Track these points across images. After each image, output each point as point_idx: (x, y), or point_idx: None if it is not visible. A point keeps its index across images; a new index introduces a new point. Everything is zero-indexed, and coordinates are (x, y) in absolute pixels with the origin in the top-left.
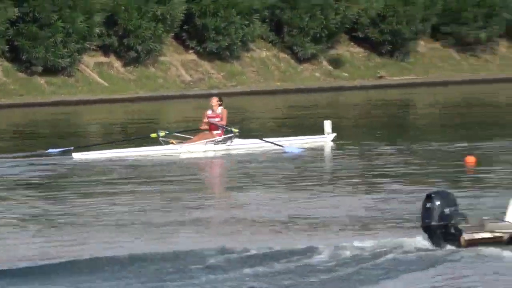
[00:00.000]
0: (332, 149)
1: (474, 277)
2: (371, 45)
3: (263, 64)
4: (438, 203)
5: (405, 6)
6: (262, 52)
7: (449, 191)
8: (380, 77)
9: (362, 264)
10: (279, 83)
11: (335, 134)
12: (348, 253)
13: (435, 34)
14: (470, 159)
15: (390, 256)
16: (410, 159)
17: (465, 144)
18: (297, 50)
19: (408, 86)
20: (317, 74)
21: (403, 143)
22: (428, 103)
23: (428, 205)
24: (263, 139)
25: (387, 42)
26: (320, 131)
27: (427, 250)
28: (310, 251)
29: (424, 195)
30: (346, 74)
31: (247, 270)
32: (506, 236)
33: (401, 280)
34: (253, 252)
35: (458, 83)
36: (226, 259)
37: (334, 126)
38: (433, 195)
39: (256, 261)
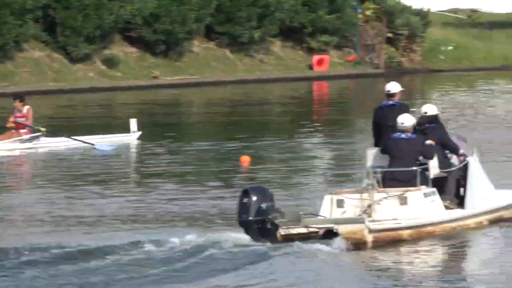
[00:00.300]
0: (137, 147)
1: (289, 272)
2: (145, 45)
3: (37, 65)
4: (255, 198)
5: (178, 6)
6: (36, 52)
7: (265, 186)
8: (155, 77)
9: (181, 261)
10: (52, 83)
11: (140, 132)
12: (169, 249)
13: (209, 34)
14: (245, 159)
15: (208, 252)
16: (186, 159)
17: (239, 144)
18: (70, 50)
19: (182, 86)
20: (91, 74)
21: (179, 143)
22: (201, 103)
23: (245, 200)
24: (72, 137)
25: (161, 42)
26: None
27: (245, 245)
28: (134, 246)
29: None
30: (120, 74)
31: (72, 266)
32: (321, 231)
33: (220, 275)
34: (69, 249)
35: (232, 83)
36: (44, 255)
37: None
38: (250, 190)
39: (83, 257)
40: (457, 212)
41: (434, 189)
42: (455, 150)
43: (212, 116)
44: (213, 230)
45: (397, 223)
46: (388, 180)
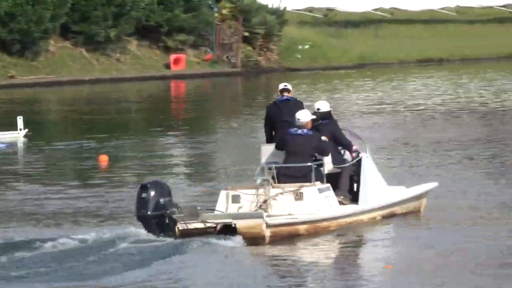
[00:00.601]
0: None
1: (191, 267)
2: (1, 45)
3: None
4: (153, 193)
5: (33, 5)
6: None
7: (163, 181)
8: (11, 76)
9: (86, 256)
10: None
11: (26, 130)
12: (73, 245)
13: (65, 33)
14: (103, 158)
15: (112, 247)
16: (44, 158)
17: (96, 143)
18: None
19: (38, 85)
20: None
21: (37, 142)
22: (58, 103)
23: (144, 195)
24: None
25: (16, 42)
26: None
27: (145, 241)
28: (34, 243)
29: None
30: None
31: None
32: (218, 226)
33: (122, 272)
34: None
35: (89, 82)
36: None
37: None
38: (148, 185)
39: None
40: (351, 208)
41: (329, 185)
42: (348, 146)
43: (69, 116)
44: (78, 228)
45: (294, 218)
46: (283, 176)
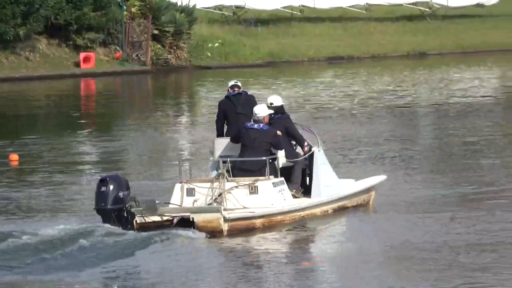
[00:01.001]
0: None
1: (153, 260)
2: None
3: None
4: (112, 186)
5: None
6: None
7: (121, 176)
8: None
9: (51, 252)
10: None
11: None
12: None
13: None
14: (14, 157)
15: (77, 242)
16: None
17: (6, 142)
18: None
19: None
20: None
21: None
22: None
23: (103, 188)
24: None
25: None
26: None
27: (107, 234)
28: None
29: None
30: None
31: None
32: (175, 220)
33: (87, 266)
34: None
35: None
36: None
37: None
38: (107, 179)
39: None
40: (305, 201)
41: (283, 179)
42: (300, 140)
43: None
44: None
45: (250, 212)
46: (238, 170)
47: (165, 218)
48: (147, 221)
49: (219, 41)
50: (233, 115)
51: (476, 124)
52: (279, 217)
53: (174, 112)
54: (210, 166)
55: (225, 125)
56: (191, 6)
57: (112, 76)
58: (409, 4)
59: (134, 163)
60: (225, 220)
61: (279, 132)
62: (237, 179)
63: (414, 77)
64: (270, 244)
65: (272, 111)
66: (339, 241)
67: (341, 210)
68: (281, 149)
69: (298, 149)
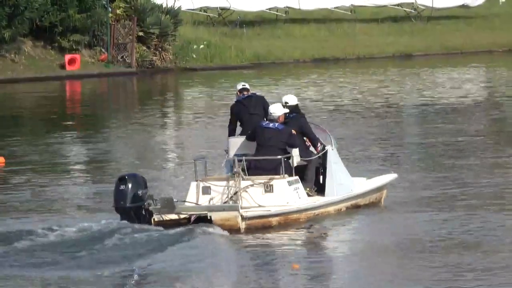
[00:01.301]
0: None
1: (184, 256)
2: None
3: None
4: (131, 185)
5: None
6: None
7: (139, 174)
8: None
9: (89, 246)
10: None
11: None
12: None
13: None
14: (0, 159)
15: (105, 239)
16: None
17: None
18: None
19: None
20: None
21: None
22: None
23: (122, 187)
24: None
25: None
26: None
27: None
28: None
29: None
30: None
31: None
32: (192, 218)
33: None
34: None
35: None
36: None
37: None
38: (126, 177)
39: None
40: (319, 200)
41: (297, 178)
42: (314, 140)
43: None
44: None
45: (267, 211)
46: (254, 169)
47: (182, 216)
48: (164, 219)
49: (204, 42)
50: (246, 116)
51: (459, 125)
52: (295, 215)
53: (161, 113)
54: (224, 165)
55: (238, 127)
56: (176, 8)
57: (98, 78)
58: (394, 5)
59: (120, 164)
60: (243, 218)
61: (294, 131)
62: (252, 177)
63: (399, 78)
64: (288, 242)
65: (287, 110)
66: (353, 239)
67: (354, 208)
68: (296, 147)
69: (312, 148)
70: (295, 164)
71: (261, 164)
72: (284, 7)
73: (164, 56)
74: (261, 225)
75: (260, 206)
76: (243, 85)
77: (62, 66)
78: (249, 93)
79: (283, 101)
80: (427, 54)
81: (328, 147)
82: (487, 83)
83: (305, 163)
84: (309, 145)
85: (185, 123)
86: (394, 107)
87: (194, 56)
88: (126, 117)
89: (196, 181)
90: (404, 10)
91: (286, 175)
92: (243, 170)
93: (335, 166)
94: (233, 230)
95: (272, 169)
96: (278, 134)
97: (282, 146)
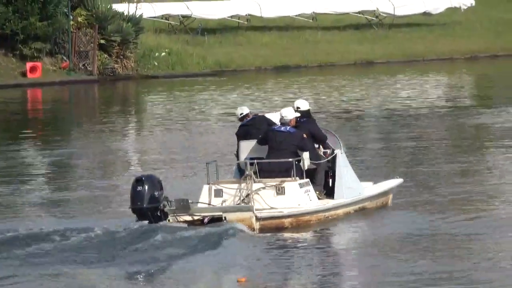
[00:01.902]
0: None
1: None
2: None
3: None
4: (147, 186)
5: None
6: None
7: (155, 175)
8: None
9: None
10: None
11: None
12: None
13: None
14: None
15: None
16: None
17: None
18: None
19: None
20: None
21: None
22: None
23: (139, 188)
24: None
25: None
26: None
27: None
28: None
29: None
30: None
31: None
32: (206, 219)
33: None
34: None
35: None
36: None
37: None
38: (143, 178)
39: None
40: (329, 202)
41: (308, 180)
42: (325, 144)
43: None
44: None
45: (280, 212)
46: (265, 171)
47: (196, 217)
48: (179, 220)
49: (166, 50)
50: (254, 131)
51: (419, 131)
52: (306, 217)
53: (122, 120)
54: (234, 169)
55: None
56: (137, 16)
57: (59, 86)
58: (356, 13)
59: (81, 170)
60: (257, 219)
61: (305, 135)
62: (264, 180)
63: (360, 85)
64: (303, 243)
65: (298, 114)
66: (363, 241)
67: (361, 211)
68: (307, 151)
69: (321, 153)
70: (306, 167)
71: (272, 167)
72: (246, 15)
73: (126, 64)
74: (274, 226)
75: (272, 208)
76: (241, 114)
77: (24, 74)
78: (252, 116)
79: (295, 106)
80: (388, 61)
81: (337, 151)
82: (448, 90)
83: (314, 166)
84: (320, 149)
85: (146, 130)
86: (354, 113)
87: (156, 63)
88: (86, 124)
89: (208, 184)
90: (366, 18)
91: (297, 178)
92: (254, 173)
93: (344, 169)
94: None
95: (283, 172)
96: (290, 137)
97: (294, 149)
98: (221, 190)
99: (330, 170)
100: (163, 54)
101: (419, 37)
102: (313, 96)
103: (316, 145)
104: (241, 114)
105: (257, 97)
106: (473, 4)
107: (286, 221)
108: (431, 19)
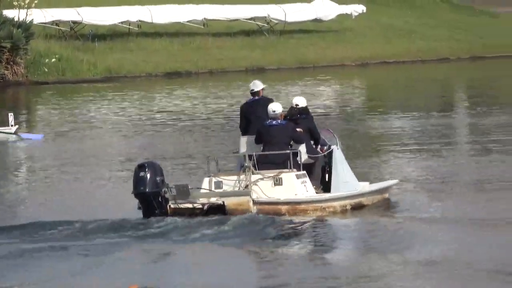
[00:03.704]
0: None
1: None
2: None
3: None
4: (150, 172)
5: None
6: None
7: (157, 162)
8: None
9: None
10: None
11: (17, 126)
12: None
13: None
14: None
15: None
16: None
17: None
18: None
19: None
20: None
21: None
22: None
23: (142, 174)
24: None
25: None
26: None
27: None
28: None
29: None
30: None
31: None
32: (205, 207)
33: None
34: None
35: None
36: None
37: None
38: (145, 164)
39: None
40: (326, 194)
41: (305, 172)
42: (318, 142)
43: None
44: None
45: (277, 198)
46: (263, 164)
47: (195, 205)
48: (180, 207)
49: (56, 56)
50: (253, 117)
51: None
52: (303, 206)
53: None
54: (238, 163)
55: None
56: (28, 22)
57: None
58: (247, 19)
59: None
60: (254, 202)
61: (298, 129)
62: (262, 172)
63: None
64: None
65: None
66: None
67: (358, 208)
68: (302, 142)
69: (318, 148)
70: (302, 161)
71: (270, 159)
72: (137, 21)
73: (16, 70)
74: (271, 212)
75: (270, 198)
76: (252, 89)
77: None
78: (259, 96)
79: (294, 103)
80: (280, 68)
81: (333, 147)
82: (339, 95)
83: (312, 161)
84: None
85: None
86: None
87: (46, 69)
88: None
89: (209, 176)
90: (257, 24)
91: (294, 169)
92: (253, 165)
93: (340, 165)
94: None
95: (280, 163)
96: (283, 129)
97: (288, 140)
98: (221, 182)
99: (327, 166)
100: (53, 60)
101: (310, 43)
102: (203, 100)
103: (312, 142)
104: (252, 90)
105: (145, 102)
106: (364, 10)
107: (283, 208)
108: (323, 26)
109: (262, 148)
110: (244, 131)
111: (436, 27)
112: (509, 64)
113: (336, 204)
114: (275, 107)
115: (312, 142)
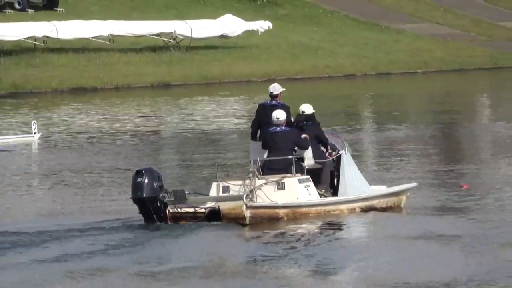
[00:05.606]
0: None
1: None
2: None
3: None
4: (147, 177)
5: None
6: None
7: (154, 167)
8: None
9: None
10: None
11: (40, 134)
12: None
13: None
14: None
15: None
16: None
17: None
18: None
19: None
20: None
21: None
22: None
23: (139, 179)
24: None
25: None
26: None
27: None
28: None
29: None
30: None
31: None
32: (206, 211)
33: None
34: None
35: None
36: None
37: None
38: (143, 171)
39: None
40: (331, 198)
41: (308, 177)
42: (327, 146)
43: None
44: None
45: (273, 202)
46: (267, 169)
47: (197, 209)
48: (179, 211)
49: None
50: (265, 121)
51: (216, 153)
52: (304, 209)
53: None
54: (251, 165)
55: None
56: None
57: None
58: (153, 35)
59: None
60: (247, 207)
61: (304, 136)
62: (266, 176)
63: (155, 107)
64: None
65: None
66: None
67: (369, 210)
68: (306, 148)
69: (327, 154)
70: (306, 165)
71: (274, 164)
72: (43, 36)
73: None
74: (267, 216)
75: (272, 202)
76: (271, 92)
77: None
78: (277, 101)
79: (300, 110)
80: (185, 83)
81: (342, 152)
82: (243, 112)
83: (319, 166)
84: (326, 151)
85: None
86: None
87: None
88: None
89: (217, 181)
90: (163, 40)
91: (297, 174)
92: (258, 170)
93: (348, 168)
94: (239, 219)
95: (284, 169)
96: (286, 135)
97: (291, 146)
98: (228, 186)
99: (336, 170)
100: None
101: (216, 59)
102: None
103: (323, 148)
104: (271, 93)
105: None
106: (271, 27)
107: (281, 212)
108: (229, 42)
109: (267, 154)
110: (253, 135)
111: (344, 45)
112: (414, 80)
113: (343, 207)
114: (279, 114)
115: (322, 147)
